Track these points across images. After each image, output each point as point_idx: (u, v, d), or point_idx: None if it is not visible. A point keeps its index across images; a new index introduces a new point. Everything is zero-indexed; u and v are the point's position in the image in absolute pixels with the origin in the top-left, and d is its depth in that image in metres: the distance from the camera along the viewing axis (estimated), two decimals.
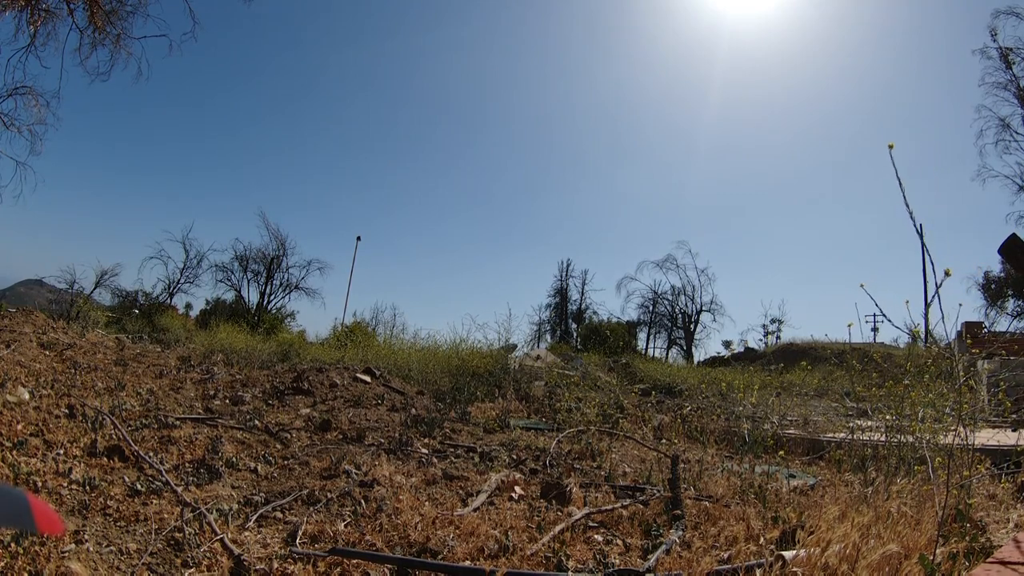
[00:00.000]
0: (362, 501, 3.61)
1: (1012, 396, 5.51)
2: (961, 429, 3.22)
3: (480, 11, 70.63)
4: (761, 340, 37.73)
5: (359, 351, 13.74)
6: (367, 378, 9.66)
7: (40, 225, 48.45)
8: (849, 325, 4.06)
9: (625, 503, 3.87)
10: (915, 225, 2.20)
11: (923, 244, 2.19)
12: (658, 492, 4.17)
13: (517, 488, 4.18)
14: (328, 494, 3.72)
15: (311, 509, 3.48)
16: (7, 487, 0.87)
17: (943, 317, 2.43)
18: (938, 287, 2.23)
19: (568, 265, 41.84)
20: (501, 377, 11.41)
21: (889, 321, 2.78)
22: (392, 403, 8.26)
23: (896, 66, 57.91)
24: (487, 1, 70.81)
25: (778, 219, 60.03)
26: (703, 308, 37.26)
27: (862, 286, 2.79)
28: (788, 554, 2.43)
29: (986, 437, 5.12)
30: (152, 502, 3.34)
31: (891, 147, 2.33)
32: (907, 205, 2.21)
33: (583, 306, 41.18)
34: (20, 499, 0.80)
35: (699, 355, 36.48)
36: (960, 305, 3.01)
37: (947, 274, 2.22)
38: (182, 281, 29.88)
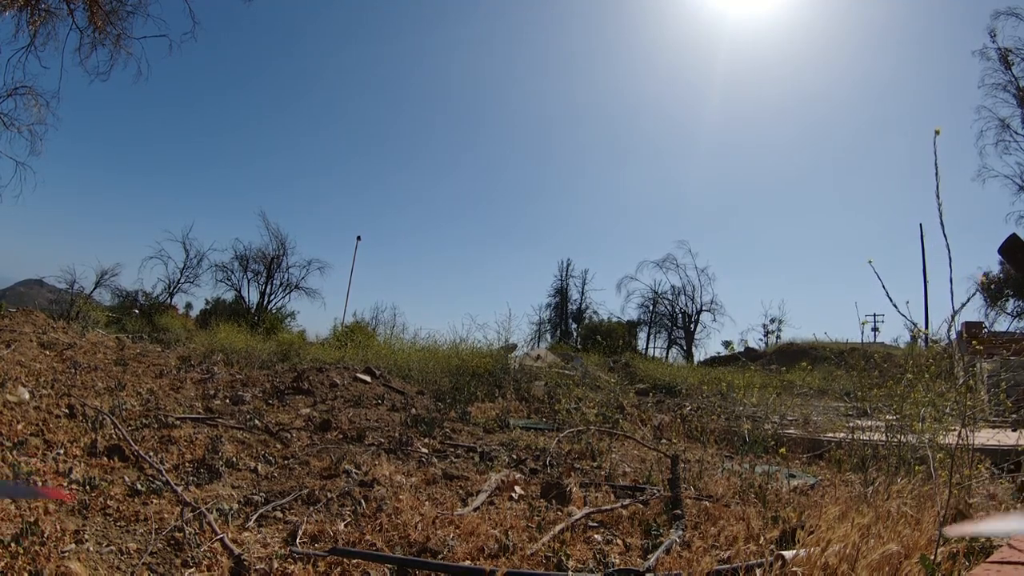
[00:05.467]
0: (362, 501, 3.61)
1: (1012, 396, 5.51)
2: (962, 429, 3.22)
3: (480, 11, 70.62)
4: (761, 340, 37.78)
5: (359, 351, 13.74)
6: (367, 378, 9.66)
7: (40, 225, 48.35)
8: (863, 323, 4.08)
9: (625, 503, 3.87)
10: (940, 218, 2.16)
11: (924, 243, 2.18)
12: (658, 492, 4.17)
13: (517, 488, 4.18)
14: (328, 494, 3.72)
15: (311, 509, 3.48)
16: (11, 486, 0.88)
17: (953, 318, 2.41)
18: (968, 298, 2.21)
19: (568, 265, 41.90)
20: (501, 377, 11.40)
21: (897, 309, 2.77)
22: (392, 403, 8.26)
23: (896, 66, 57.89)
24: (487, 1, 70.78)
25: (778, 219, 60.05)
26: (703, 308, 37.31)
27: (870, 262, 2.75)
28: (788, 554, 2.43)
29: (986, 437, 5.11)
30: (152, 502, 3.34)
31: (937, 132, 2.27)
32: (938, 196, 2.16)
33: (583, 306, 41.24)
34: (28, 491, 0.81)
35: (699, 355, 36.52)
36: (963, 304, 2.98)
37: (983, 283, 2.21)
38: (182, 281, 29.93)
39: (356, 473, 4.31)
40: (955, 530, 2.12)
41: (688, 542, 3.11)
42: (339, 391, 8.54)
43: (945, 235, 2.20)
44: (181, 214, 73.64)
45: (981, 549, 2.47)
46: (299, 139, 67.06)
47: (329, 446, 5.31)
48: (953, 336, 4.18)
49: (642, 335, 38.79)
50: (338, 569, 2.65)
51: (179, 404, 6.54)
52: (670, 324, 38.72)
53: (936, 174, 2.17)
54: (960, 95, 52.34)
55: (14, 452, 3.74)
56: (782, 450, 5.03)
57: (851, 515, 2.66)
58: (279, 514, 3.38)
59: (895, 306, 2.75)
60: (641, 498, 4.03)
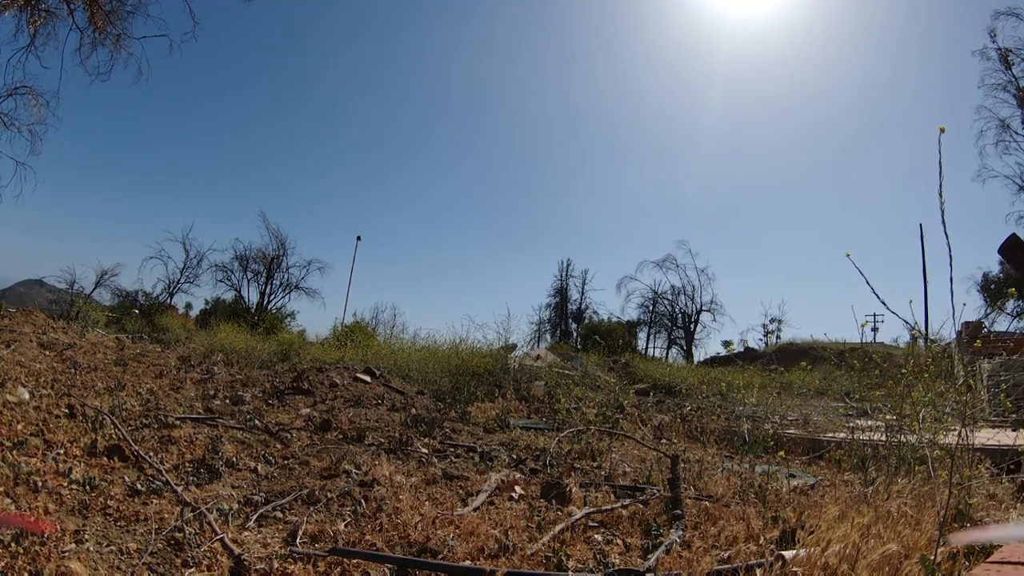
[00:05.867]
0: (362, 501, 3.61)
1: (1012, 396, 5.50)
2: (962, 429, 3.22)
3: (480, 11, 70.59)
4: (761, 340, 37.81)
5: (359, 351, 13.73)
6: (367, 378, 9.66)
7: (40, 225, 48.35)
8: (863, 324, 4.10)
9: (625, 503, 3.87)
10: (942, 217, 2.17)
11: (924, 243, 2.18)
12: (658, 492, 4.17)
13: (517, 488, 4.18)
14: (328, 494, 3.72)
15: (311, 509, 3.48)
16: None
17: (954, 316, 2.41)
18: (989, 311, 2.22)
19: (568, 265, 41.92)
20: (501, 377, 11.40)
21: (888, 307, 2.78)
22: (392, 403, 8.26)
23: (896, 66, 57.90)
24: (487, 1, 70.74)
25: (778, 219, 60.08)
26: (703, 308, 37.33)
27: (848, 255, 2.75)
28: (788, 554, 2.43)
29: (986, 437, 5.11)
30: (152, 502, 3.34)
31: (942, 130, 2.28)
32: (940, 195, 2.17)
33: (583, 306, 41.27)
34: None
35: (699, 355, 36.53)
36: (964, 305, 2.97)
37: (1013, 295, 2.22)
38: (182, 281, 29.97)
39: (356, 473, 4.31)
40: (959, 538, 2.12)
41: (688, 542, 3.11)
42: (339, 391, 8.54)
43: (946, 234, 2.20)
44: (181, 214, 73.78)
45: (981, 549, 2.47)
46: (299, 139, 67.09)
47: (329, 446, 5.31)
48: (953, 336, 4.18)
49: (642, 335, 38.85)
50: (338, 569, 2.65)
51: (179, 404, 6.53)
52: (670, 324, 38.76)
53: (940, 172, 2.17)
54: (960, 95, 52.35)
55: (14, 452, 3.73)
56: (781, 453, 5.02)
57: (851, 515, 2.66)
58: (279, 514, 3.38)
59: (884, 304, 2.76)
60: (641, 498, 4.03)
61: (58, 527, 2.59)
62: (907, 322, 3.16)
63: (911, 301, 3.12)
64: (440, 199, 65.76)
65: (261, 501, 3.59)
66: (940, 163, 2.16)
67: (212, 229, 67.92)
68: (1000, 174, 24.80)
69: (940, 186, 2.18)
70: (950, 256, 2.20)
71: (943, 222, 2.18)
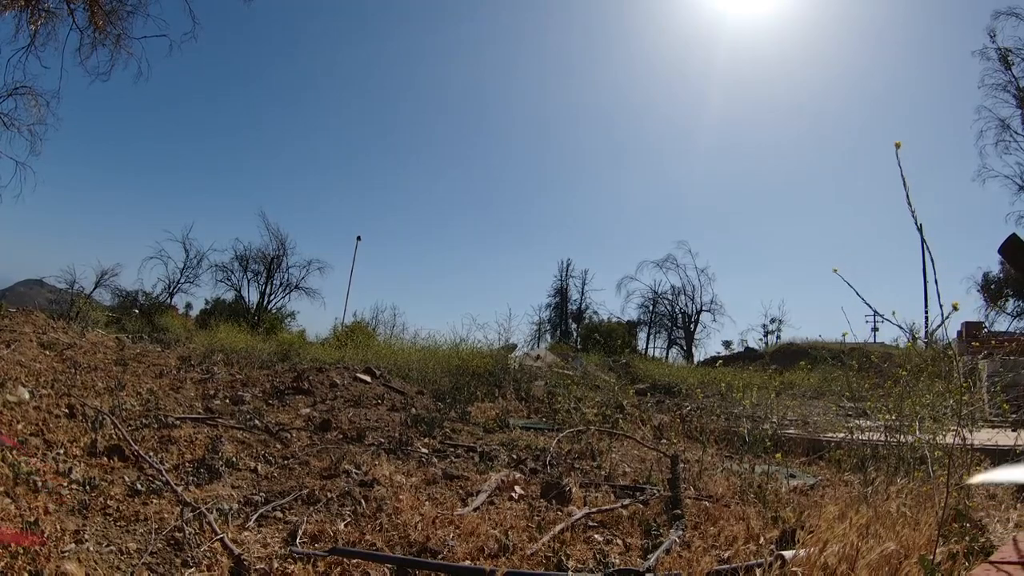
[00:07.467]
0: (362, 501, 3.61)
1: (1010, 396, 5.51)
2: (960, 430, 3.22)
3: (480, 12, 70.59)
4: (761, 340, 37.83)
5: (359, 351, 13.73)
6: (367, 378, 9.66)
7: (40, 225, 48.40)
8: (844, 335, 4.16)
9: (625, 503, 3.87)
10: (916, 223, 2.19)
11: (924, 243, 2.19)
12: (658, 492, 4.17)
13: (517, 488, 4.18)
14: (328, 494, 3.72)
15: (311, 509, 3.48)
16: None
17: (943, 316, 2.42)
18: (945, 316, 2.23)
19: (568, 265, 41.94)
20: (501, 377, 11.40)
21: (882, 316, 2.79)
22: (392, 403, 8.26)
23: (896, 66, 57.93)
24: (487, 2, 70.76)
25: (778, 219, 60.14)
26: (703, 308, 37.31)
27: (835, 271, 2.75)
28: (788, 554, 2.44)
29: (986, 437, 5.11)
30: (152, 502, 3.34)
31: (898, 146, 2.32)
32: (909, 203, 2.20)
33: (583, 306, 41.28)
34: None
35: (699, 355, 36.52)
36: (941, 305, 2.97)
37: (955, 308, 2.25)
38: (182, 281, 29.92)
39: (356, 473, 4.31)
40: (977, 479, 2.17)
41: (688, 542, 3.12)
42: (339, 391, 8.54)
43: (923, 239, 2.22)
44: (181, 214, 73.64)
45: (981, 549, 2.47)
46: (299, 139, 67.08)
47: (329, 446, 5.31)
48: (948, 337, 4.20)
49: (642, 335, 38.82)
50: (338, 569, 2.65)
51: (179, 404, 6.53)
52: (670, 324, 38.75)
53: (904, 184, 2.22)
54: (960, 95, 52.42)
55: (14, 452, 3.73)
56: (778, 456, 5.02)
57: (850, 515, 2.66)
58: (279, 514, 3.39)
59: (876, 312, 2.77)
60: (641, 498, 4.03)
61: (51, 531, 2.59)
62: (901, 327, 3.20)
63: (894, 312, 3.14)
64: (440, 199, 65.87)
65: (261, 501, 3.59)
66: (902, 176, 2.21)
67: (212, 229, 68.01)
68: (1000, 174, 24.85)
69: (907, 196, 2.21)
70: (933, 263, 2.24)
71: (918, 228, 2.21)
